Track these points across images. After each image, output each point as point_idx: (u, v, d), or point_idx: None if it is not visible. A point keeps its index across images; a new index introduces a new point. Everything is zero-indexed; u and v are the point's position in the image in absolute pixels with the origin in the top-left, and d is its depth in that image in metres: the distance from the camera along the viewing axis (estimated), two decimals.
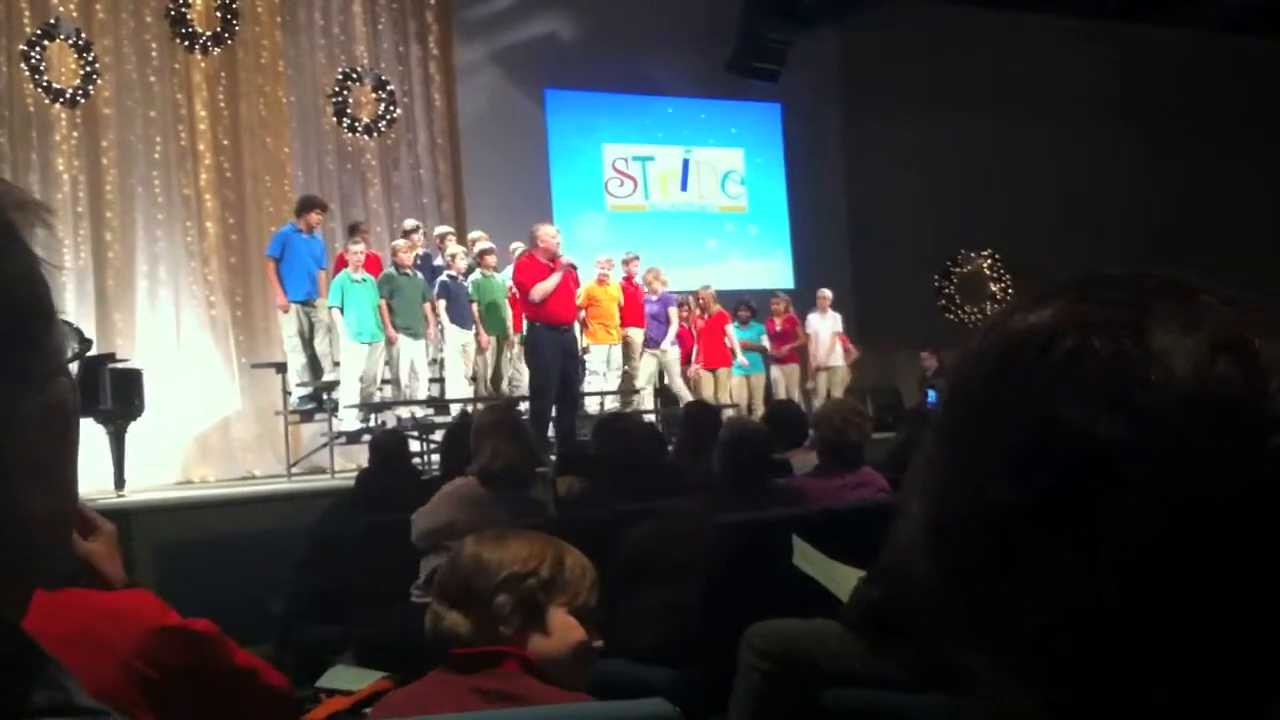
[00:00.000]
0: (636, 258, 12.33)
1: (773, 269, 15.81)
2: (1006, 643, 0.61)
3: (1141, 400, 0.57)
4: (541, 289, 9.51)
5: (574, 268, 10.09)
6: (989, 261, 17.62)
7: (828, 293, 13.94)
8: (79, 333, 0.71)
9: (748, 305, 13.48)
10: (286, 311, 10.44)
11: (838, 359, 13.67)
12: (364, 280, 10.26)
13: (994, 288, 17.70)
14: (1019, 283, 17.36)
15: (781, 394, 12.92)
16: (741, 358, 12.91)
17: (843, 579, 3.81)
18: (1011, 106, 16.15)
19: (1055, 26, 15.86)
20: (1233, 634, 0.56)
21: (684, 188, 15.84)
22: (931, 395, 14.61)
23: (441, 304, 10.57)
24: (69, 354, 0.69)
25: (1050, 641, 0.59)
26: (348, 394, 10.19)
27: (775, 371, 13.38)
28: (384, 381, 10.57)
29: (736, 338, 12.92)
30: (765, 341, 13.31)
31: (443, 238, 11.39)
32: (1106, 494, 0.57)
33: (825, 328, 13.71)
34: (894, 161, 15.83)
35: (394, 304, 10.19)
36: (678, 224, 15.57)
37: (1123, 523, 0.57)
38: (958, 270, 17.65)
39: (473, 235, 11.45)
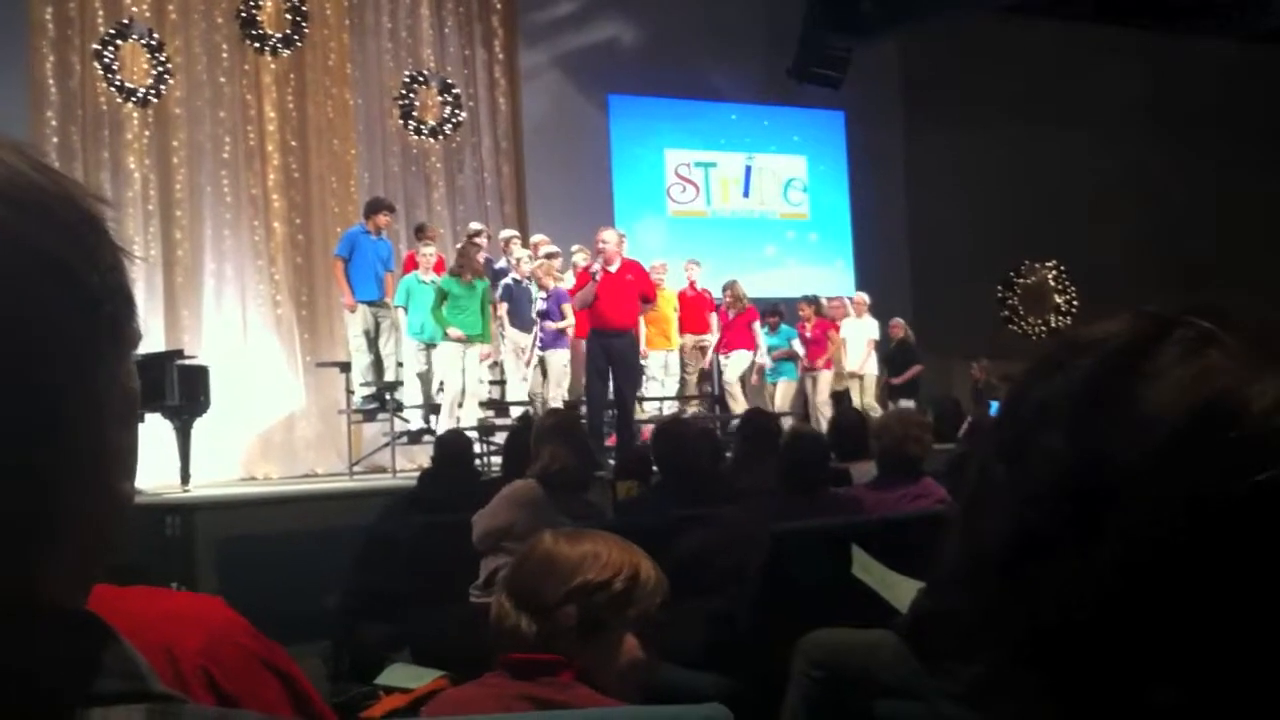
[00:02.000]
0: (697, 264, 12.34)
1: (833, 276, 15.73)
2: (1015, 649, 0.62)
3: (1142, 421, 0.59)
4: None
5: (607, 274, 10.01)
6: (1053, 272, 17.45)
7: (864, 296, 13.55)
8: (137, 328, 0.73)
9: (777, 310, 12.99)
10: (353, 311, 10.54)
11: (872, 366, 13.26)
12: (431, 282, 10.32)
13: (1058, 299, 17.52)
14: (1084, 294, 17.18)
15: (816, 401, 12.68)
16: (765, 360, 12.56)
17: (901, 590, 3.79)
18: (1075, 116, 15.99)
19: (1117, 36, 15.70)
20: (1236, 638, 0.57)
21: (746, 194, 15.82)
22: (993, 406, 14.49)
23: (504, 307, 10.60)
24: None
25: (1056, 647, 0.60)
26: (410, 394, 10.28)
27: (807, 378, 13.01)
28: (493, 383, 10.59)
29: (765, 344, 12.60)
30: (797, 346, 12.85)
31: (507, 241, 11.45)
32: (1116, 511, 0.58)
33: (858, 333, 13.25)
34: (957, 170, 15.72)
35: (451, 306, 10.13)
36: (739, 230, 15.55)
37: (1135, 540, 0.58)
38: (1021, 281, 17.49)
39: (535, 239, 11.51)
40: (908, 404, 12.46)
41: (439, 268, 10.57)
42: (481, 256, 10.83)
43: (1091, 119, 16.05)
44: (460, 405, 9.97)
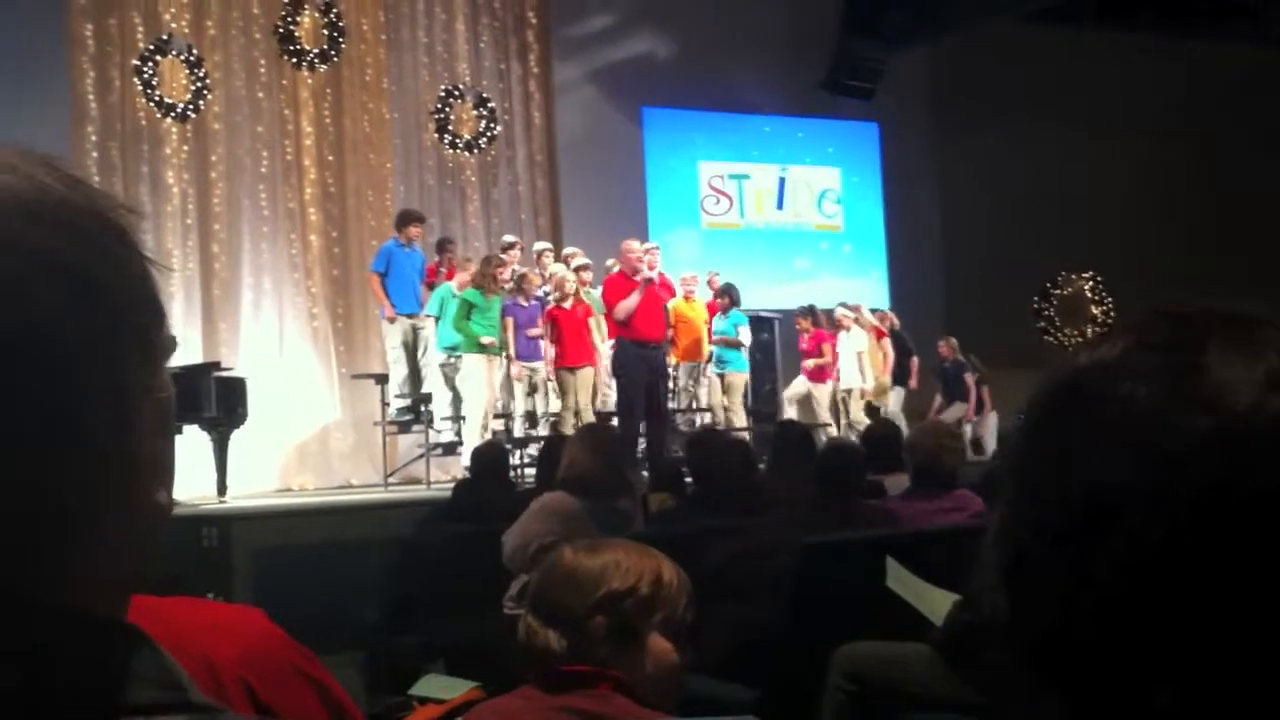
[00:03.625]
0: (717, 275, 12.30)
1: (868, 288, 15.69)
2: (1023, 651, 0.63)
3: (1175, 444, 0.59)
4: (624, 307, 9.56)
5: (652, 282, 10.03)
6: (1090, 283, 17.34)
7: (846, 311, 12.97)
8: (170, 334, 0.74)
9: (728, 290, 11.92)
10: (394, 322, 10.59)
11: (857, 379, 12.69)
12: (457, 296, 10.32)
13: (1095, 310, 17.40)
14: (1121, 305, 17.06)
15: (820, 413, 12.32)
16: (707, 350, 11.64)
17: (936, 603, 3.78)
18: (1109, 123, 15.88)
19: (1150, 42, 15.59)
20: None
21: (779, 206, 15.80)
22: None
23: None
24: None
25: (1061, 647, 0.61)
26: (441, 406, 10.30)
27: (813, 389, 12.58)
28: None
29: (713, 330, 11.77)
30: (742, 335, 11.72)
31: (540, 254, 11.48)
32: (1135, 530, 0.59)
33: (846, 348, 12.74)
34: (991, 180, 15.64)
35: (474, 318, 10.06)
36: (772, 242, 15.53)
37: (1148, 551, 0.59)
38: (1058, 292, 17.39)
39: (568, 251, 11.53)
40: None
41: (450, 275, 10.55)
42: (508, 271, 10.80)
43: (1125, 126, 15.95)
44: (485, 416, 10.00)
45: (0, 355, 0.61)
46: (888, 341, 13.00)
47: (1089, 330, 17.28)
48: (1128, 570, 0.59)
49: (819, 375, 12.63)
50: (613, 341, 10.30)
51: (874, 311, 13.31)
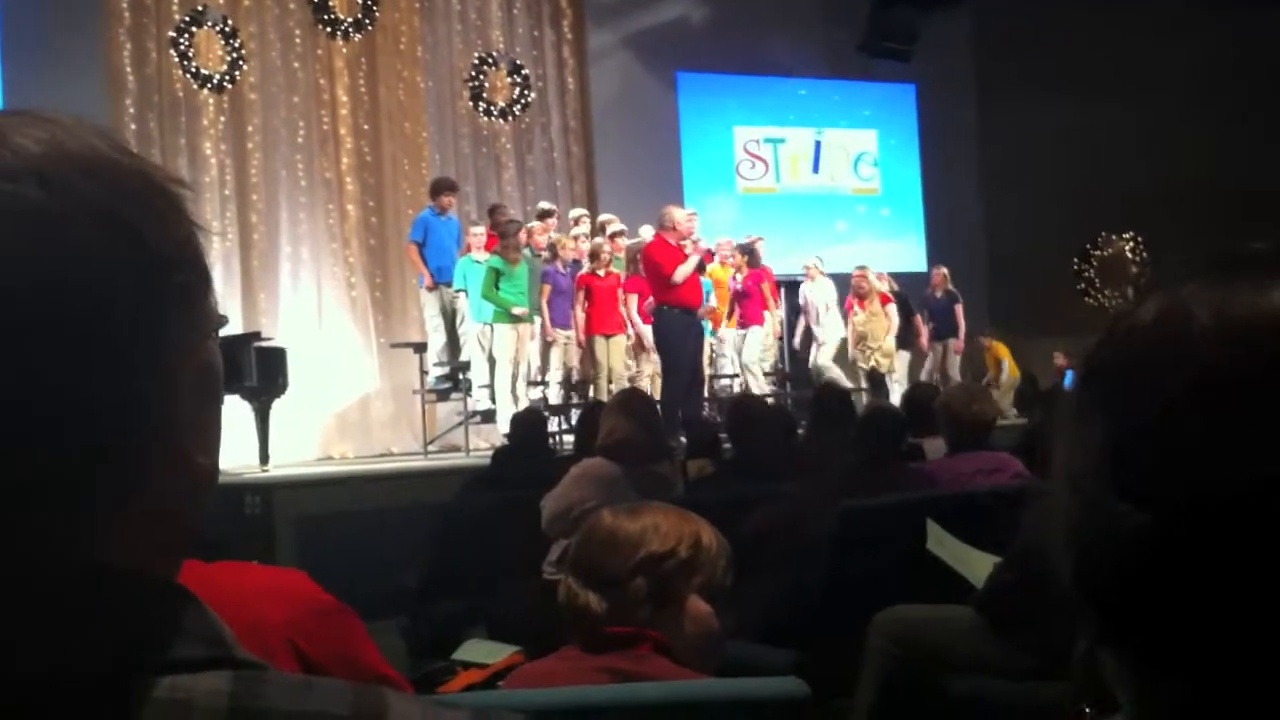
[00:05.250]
0: (760, 239, 12.19)
1: (905, 251, 15.61)
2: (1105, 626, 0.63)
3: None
4: (683, 271, 9.53)
5: (711, 253, 10.06)
6: (1131, 244, 17.16)
7: (817, 260, 12.61)
8: (217, 307, 0.75)
9: (745, 250, 11.66)
10: (433, 290, 10.62)
11: (827, 331, 12.30)
12: (483, 262, 10.28)
13: (1136, 271, 17.23)
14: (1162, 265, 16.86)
15: (742, 361, 11.59)
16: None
17: (977, 565, 3.77)
18: (1152, 84, 15.65)
19: (1196, 4, 15.33)
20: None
21: (815, 170, 15.72)
22: (1068, 378, 14.30)
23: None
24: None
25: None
26: (478, 374, 10.34)
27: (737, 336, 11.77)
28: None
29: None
30: (713, 300, 11.05)
31: (576, 221, 11.48)
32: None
33: (816, 296, 12.39)
34: (1030, 142, 15.49)
35: (503, 286, 9.99)
36: (808, 206, 15.46)
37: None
38: (1098, 253, 17.22)
39: (603, 218, 11.52)
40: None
41: (489, 246, 10.50)
42: (544, 238, 10.81)
43: (1170, 88, 15.72)
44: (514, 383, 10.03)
45: (44, 298, 0.62)
46: (892, 307, 12.65)
47: (1130, 292, 17.12)
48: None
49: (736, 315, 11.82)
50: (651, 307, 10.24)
51: (859, 272, 12.88)
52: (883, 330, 12.46)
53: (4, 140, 0.64)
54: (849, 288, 12.67)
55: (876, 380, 12.34)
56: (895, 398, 10.53)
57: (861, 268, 12.82)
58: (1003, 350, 14.30)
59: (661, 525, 2.05)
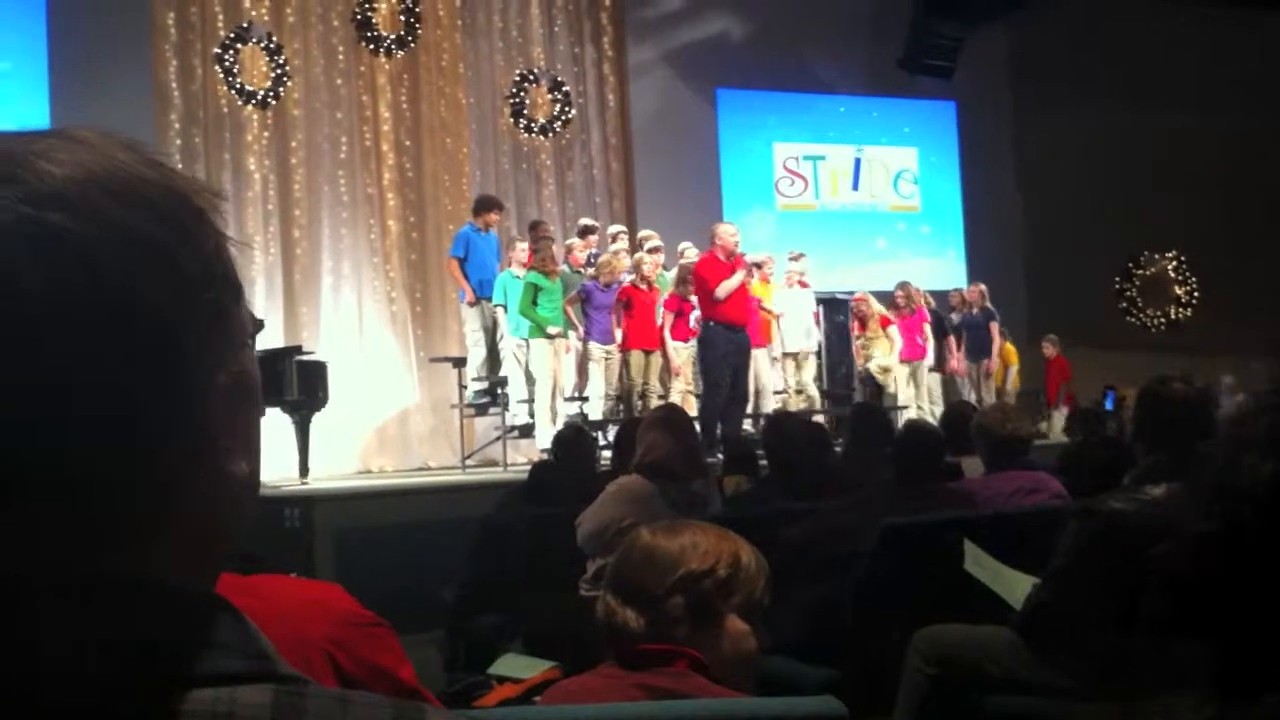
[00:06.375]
0: (803, 255, 12.18)
1: (946, 268, 15.54)
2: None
3: None
4: (726, 286, 9.55)
5: (759, 266, 10.05)
6: (1174, 263, 17.02)
7: (800, 267, 12.02)
8: (252, 313, 0.76)
9: (760, 265, 11.30)
10: (475, 305, 10.67)
11: (810, 344, 11.84)
12: (523, 278, 10.31)
13: (1178, 290, 17.08)
14: (1204, 285, 16.73)
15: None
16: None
17: (1014, 585, 3.75)
18: (1194, 101, 15.54)
19: (1233, 14, 15.21)
20: None
21: (855, 187, 15.68)
22: (1110, 398, 14.17)
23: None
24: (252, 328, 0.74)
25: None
26: (516, 389, 10.37)
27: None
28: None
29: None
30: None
31: (615, 237, 11.50)
32: None
33: (794, 307, 11.77)
34: (1071, 159, 15.42)
35: (541, 302, 10.00)
36: (848, 223, 15.42)
37: None
38: (1140, 272, 17.09)
39: (643, 234, 11.53)
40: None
41: (529, 262, 10.53)
42: (585, 255, 10.86)
43: (1209, 102, 15.60)
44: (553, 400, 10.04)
45: (69, 320, 0.62)
46: (894, 329, 12.39)
47: (1172, 311, 16.97)
48: None
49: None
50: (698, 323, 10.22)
51: (901, 289, 12.78)
52: (885, 351, 12.39)
53: (31, 166, 0.64)
54: (890, 304, 12.62)
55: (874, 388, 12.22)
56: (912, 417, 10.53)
57: (903, 284, 12.76)
58: (1011, 355, 14.11)
59: (700, 544, 2.05)
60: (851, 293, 12.68)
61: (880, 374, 12.31)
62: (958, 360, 13.28)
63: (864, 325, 12.39)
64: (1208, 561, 0.65)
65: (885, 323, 12.47)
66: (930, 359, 12.68)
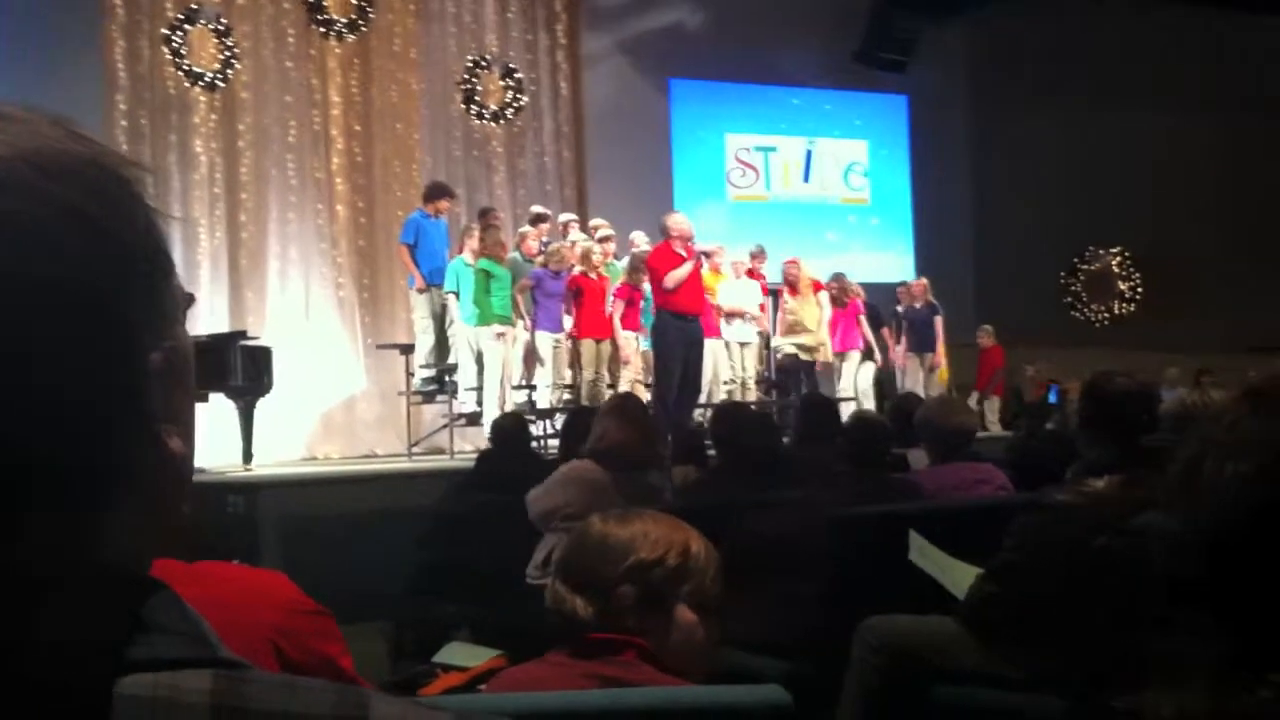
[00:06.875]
0: (763, 250, 12.18)
1: (895, 262, 15.64)
2: None
3: None
4: (674, 276, 9.54)
5: (709, 255, 10.05)
6: (1118, 259, 17.23)
7: (748, 260, 12.04)
8: (182, 288, 0.74)
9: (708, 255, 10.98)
10: (424, 292, 10.60)
11: (750, 334, 11.76)
12: (474, 265, 10.28)
13: (1123, 286, 17.30)
14: (1148, 282, 16.95)
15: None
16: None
17: (959, 576, 3.77)
18: (1142, 99, 15.74)
19: (1187, 17, 15.41)
20: None
21: (806, 179, 15.75)
22: (1053, 392, 14.33)
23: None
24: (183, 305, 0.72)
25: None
26: (465, 377, 10.33)
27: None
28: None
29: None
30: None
31: (566, 225, 11.47)
32: None
33: (738, 297, 11.66)
34: (1021, 155, 15.57)
35: (493, 290, 10.01)
36: (799, 215, 15.48)
37: None
38: (1085, 267, 17.29)
39: (594, 223, 11.52)
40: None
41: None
42: (536, 243, 10.84)
43: (1159, 102, 15.81)
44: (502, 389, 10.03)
45: (5, 298, 0.60)
46: (824, 295, 12.26)
47: (1116, 306, 17.19)
48: None
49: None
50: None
51: (836, 280, 12.51)
52: (814, 318, 12.10)
53: None
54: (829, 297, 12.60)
55: (803, 372, 11.98)
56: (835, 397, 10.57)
57: (837, 275, 12.57)
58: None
59: (651, 533, 2.05)
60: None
61: (804, 354, 12.02)
62: (896, 352, 13.31)
63: (795, 289, 12.17)
64: (1189, 561, 0.65)
65: (817, 287, 12.25)
66: (861, 350, 12.59)
